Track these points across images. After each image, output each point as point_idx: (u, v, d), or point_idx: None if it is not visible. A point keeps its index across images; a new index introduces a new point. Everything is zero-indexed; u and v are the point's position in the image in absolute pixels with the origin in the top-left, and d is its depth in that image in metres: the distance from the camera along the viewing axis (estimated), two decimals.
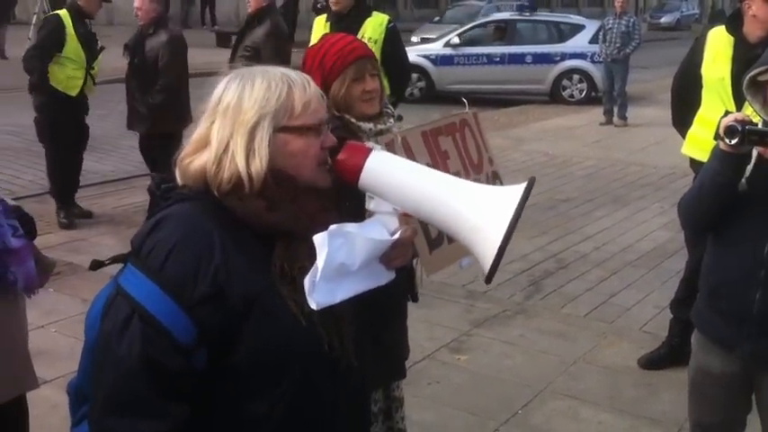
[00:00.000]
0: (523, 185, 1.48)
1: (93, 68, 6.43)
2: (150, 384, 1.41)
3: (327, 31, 5.26)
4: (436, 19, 22.71)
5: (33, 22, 16.27)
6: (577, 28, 14.66)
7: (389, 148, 2.35)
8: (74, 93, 6.33)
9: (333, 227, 1.46)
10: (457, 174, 2.61)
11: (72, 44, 6.24)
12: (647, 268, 5.86)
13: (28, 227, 2.37)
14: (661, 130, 10.22)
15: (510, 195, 1.48)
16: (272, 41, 6.21)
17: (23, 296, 2.42)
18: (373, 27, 5.40)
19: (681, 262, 4.53)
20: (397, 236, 1.57)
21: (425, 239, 2.47)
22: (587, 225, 6.93)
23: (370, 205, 1.60)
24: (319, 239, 1.44)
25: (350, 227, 1.50)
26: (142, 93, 6.22)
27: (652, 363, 4.27)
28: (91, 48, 6.40)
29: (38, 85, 6.33)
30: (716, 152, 2.39)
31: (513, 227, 1.44)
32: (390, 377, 2.75)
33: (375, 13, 5.54)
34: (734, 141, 2.26)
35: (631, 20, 12.14)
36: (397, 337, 2.71)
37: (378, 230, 1.56)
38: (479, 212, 1.49)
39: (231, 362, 1.45)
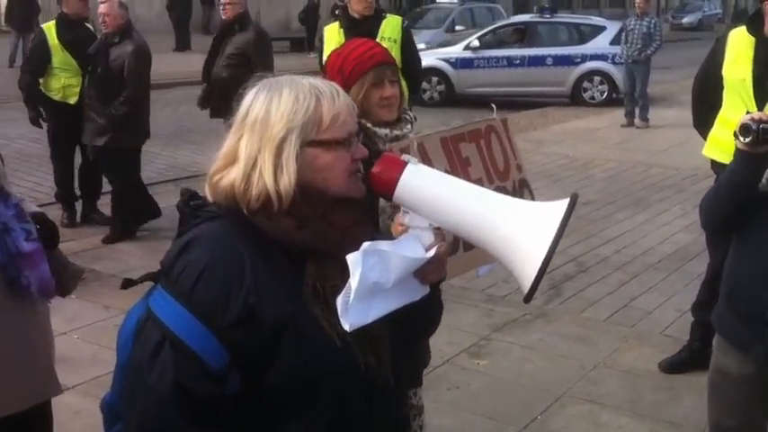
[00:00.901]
0: (566, 202, 1.44)
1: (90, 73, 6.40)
2: (182, 412, 1.39)
3: (342, 37, 5.28)
4: (405, 24, 21.85)
5: None
6: (598, 29, 14.59)
7: (405, 153, 2.35)
8: (72, 101, 6.36)
9: (366, 245, 1.43)
10: (479, 181, 2.56)
11: (58, 54, 6.30)
12: (668, 271, 5.81)
13: (50, 234, 2.38)
14: (683, 132, 10.13)
15: (552, 213, 1.44)
16: (260, 46, 6.20)
17: (45, 303, 2.44)
18: (391, 28, 5.44)
19: (702, 265, 4.49)
20: (432, 252, 1.53)
21: None
22: (608, 228, 6.89)
23: (405, 219, 1.56)
24: (353, 259, 1.41)
25: (384, 245, 1.46)
26: (104, 104, 6.02)
27: (673, 367, 4.23)
28: (85, 53, 6.34)
29: (26, 99, 6.43)
30: (734, 152, 2.38)
31: (555, 247, 1.40)
32: (409, 385, 2.70)
33: (389, 15, 5.59)
34: (747, 140, 2.25)
35: (653, 21, 12.06)
36: (418, 346, 2.70)
37: (412, 247, 1.52)
38: (521, 231, 1.45)
39: (266, 385, 1.43)
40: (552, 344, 4.59)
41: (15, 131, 10.19)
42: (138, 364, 1.43)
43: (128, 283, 1.58)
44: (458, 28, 18.82)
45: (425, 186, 1.53)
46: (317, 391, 1.46)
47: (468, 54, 14.37)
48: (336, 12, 22.33)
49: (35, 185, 7.83)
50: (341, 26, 5.47)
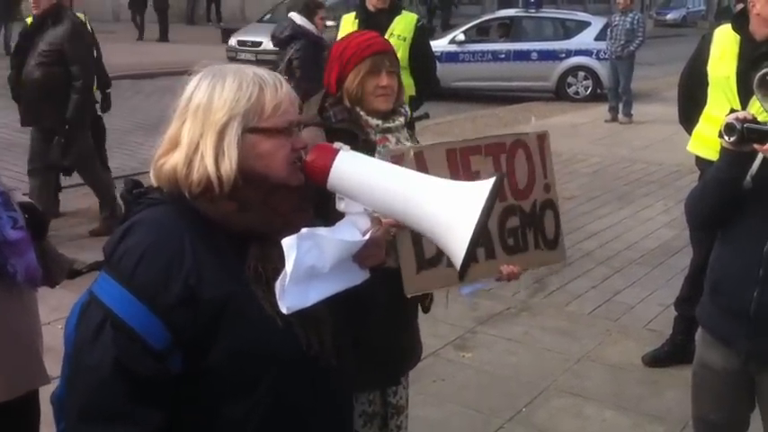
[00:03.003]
0: (492, 180, 1.48)
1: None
2: (125, 392, 1.40)
3: (355, 28, 5.25)
4: (267, 17, 18.48)
5: None
6: (583, 25, 14.64)
7: (396, 161, 2.17)
8: None
9: (303, 230, 1.46)
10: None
11: None
12: (651, 266, 5.86)
13: (38, 223, 2.36)
14: (666, 128, 10.21)
15: (479, 191, 1.47)
16: (76, 41, 5.79)
17: (32, 292, 2.42)
18: (403, 25, 5.40)
19: (685, 259, 4.53)
20: (368, 236, 1.57)
21: (414, 257, 2.30)
22: (592, 223, 6.93)
23: (341, 206, 1.59)
24: (287, 243, 1.44)
25: (320, 230, 1.50)
26: None
27: (656, 360, 4.27)
28: None
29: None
30: (720, 150, 2.40)
31: (484, 223, 1.44)
32: (381, 383, 2.65)
33: (405, 12, 5.55)
34: (732, 139, 2.27)
35: (636, 17, 12.12)
36: (394, 342, 2.57)
37: (349, 231, 1.56)
38: (449, 210, 1.49)
39: (207, 365, 1.45)
40: (536, 337, 4.62)
41: (1, 121, 10.09)
42: (80, 346, 1.44)
43: (74, 274, 1.60)
44: None
45: (357, 172, 1.56)
46: (259, 372, 1.48)
47: (454, 48, 14.37)
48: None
49: (20, 175, 7.74)
50: (356, 17, 5.44)
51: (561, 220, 2.67)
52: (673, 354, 4.23)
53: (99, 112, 6.58)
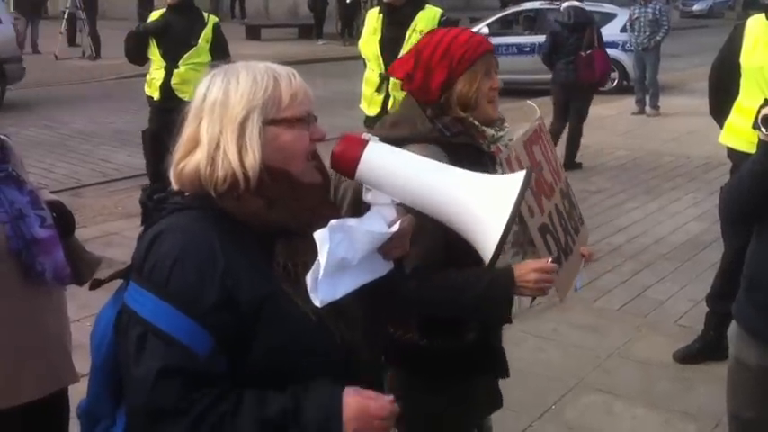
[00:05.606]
0: (522, 173, 1.48)
1: (177, 67, 5.81)
2: (179, 391, 1.40)
3: (379, 24, 5.21)
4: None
5: (65, 17, 16.46)
6: (608, 17, 14.48)
7: (510, 165, 2.08)
8: (156, 96, 5.96)
9: (333, 222, 1.46)
10: (552, 184, 2.37)
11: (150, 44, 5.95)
12: (680, 260, 5.79)
13: (66, 222, 2.37)
14: (694, 120, 10.09)
15: (510, 184, 1.47)
16: None
17: (61, 290, 2.43)
18: (426, 20, 5.32)
19: (715, 254, 4.46)
20: (396, 227, 1.57)
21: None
22: (619, 217, 6.86)
23: (368, 197, 1.59)
24: (320, 236, 1.43)
25: (350, 221, 1.50)
26: None
27: (687, 357, 4.22)
28: (175, 42, 5.83)
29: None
30: (758, 142, 2.35)
31: (515, 217, 1.44)
32: (492, 407, 2.59)
33: (428, 6, 5.48)
34: None
35: (658, 6, 11.94)
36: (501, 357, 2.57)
37: (377, 223, 1.56)
38: (480, 203, 1.48)
39: (249, 364, 1.45)
40: (565, 333, 4.58)
41: (27, 118, 10.20)
42: (126, 360, 1.44)
43: (96, 284, 1.62)
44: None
45: (386, 163, 1.56)
46: (298, 368, 1.48)
47: None
48: None
49: (45, 172, 7.83)
50: (380, 12, 5.40)
51: (588, 214, 2.67)
52: (704, 350, 4.18)
53: None
